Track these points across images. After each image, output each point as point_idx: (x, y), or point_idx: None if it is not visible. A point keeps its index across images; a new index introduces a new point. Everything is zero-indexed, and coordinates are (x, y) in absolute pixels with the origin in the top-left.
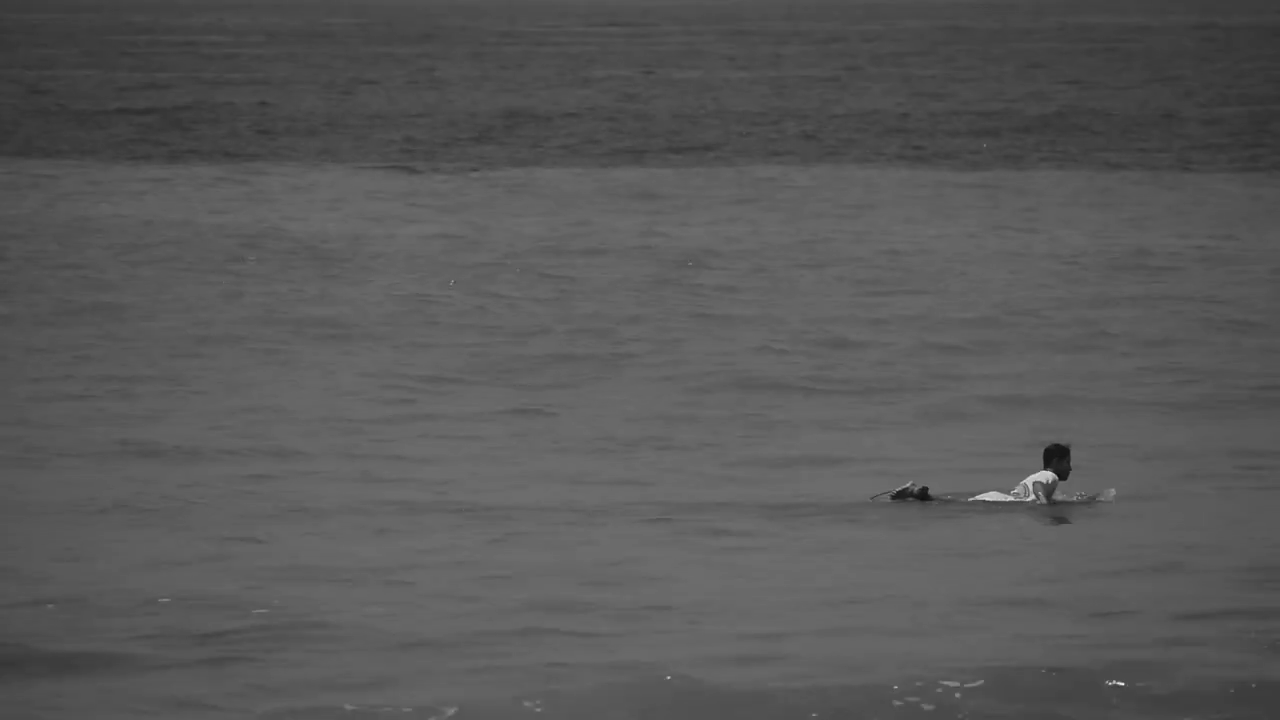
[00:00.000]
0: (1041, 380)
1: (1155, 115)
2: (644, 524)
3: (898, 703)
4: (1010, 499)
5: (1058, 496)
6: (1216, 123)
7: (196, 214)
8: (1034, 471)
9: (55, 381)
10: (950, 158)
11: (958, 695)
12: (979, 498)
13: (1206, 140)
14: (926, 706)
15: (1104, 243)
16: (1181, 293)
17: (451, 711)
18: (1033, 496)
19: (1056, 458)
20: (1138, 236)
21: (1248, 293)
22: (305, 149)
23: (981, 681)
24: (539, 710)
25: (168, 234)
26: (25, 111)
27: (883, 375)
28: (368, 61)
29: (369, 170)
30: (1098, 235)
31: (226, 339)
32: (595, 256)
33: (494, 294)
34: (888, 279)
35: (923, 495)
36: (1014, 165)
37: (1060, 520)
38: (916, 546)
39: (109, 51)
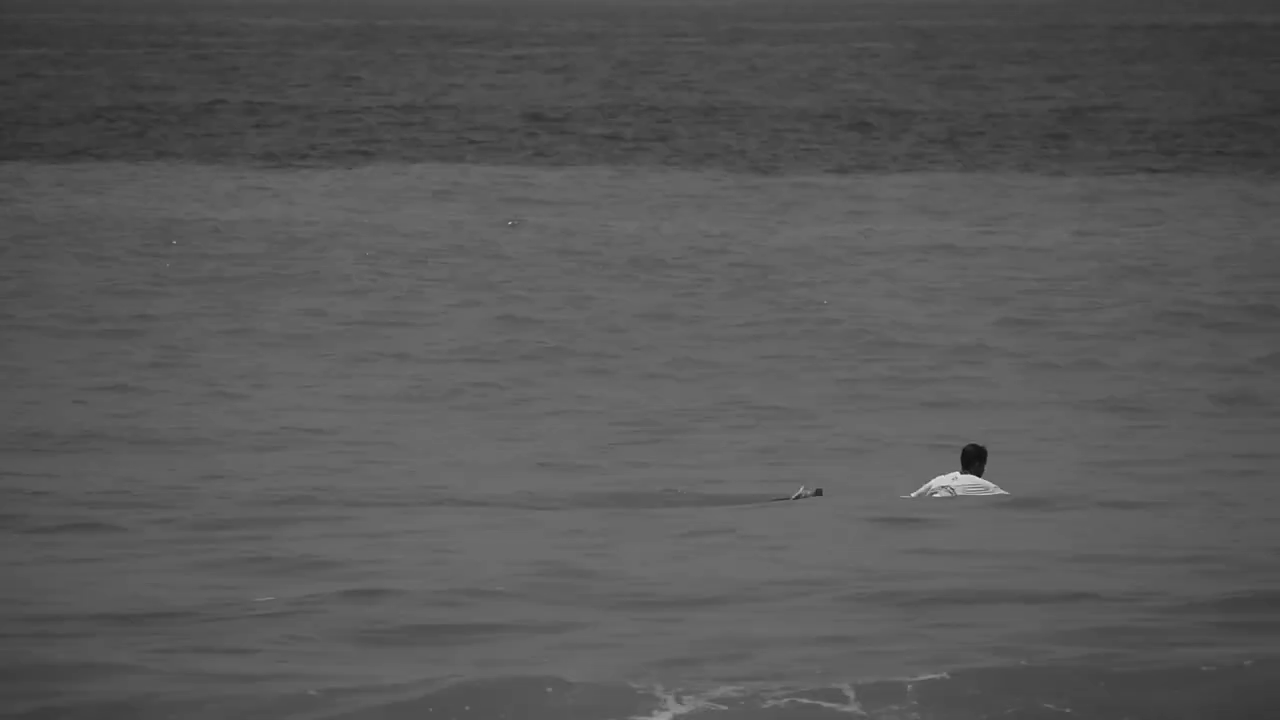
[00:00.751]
0: (1031, 382)
1: (1161, 118)
2: (633, 512)
3: (867, 703)
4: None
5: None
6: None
7: (189, 212)
8: (940, 473)
9: (71, 377)
10: (949, 160)
11: (920, 691)
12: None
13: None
14: (892, 706)
15: (1098, 244)
16: (1173, 293)
17: (450, 686)
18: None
19: (978, 461)
20: (1133, 237)
21: (1240, 293)
22: (304, 146)
23: (946, 676)
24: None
25: (158, 232)
26: (32, 113)
27: (876, 374)
28: (363, 62)
29: (374, 169)
30: (1090, 236)
31: (234, 336)
32: (598, 257)
33: (498, 293)
34: (887, 279)
35: (816, 496)
36: (1021, 168)
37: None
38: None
39: (113, 51)
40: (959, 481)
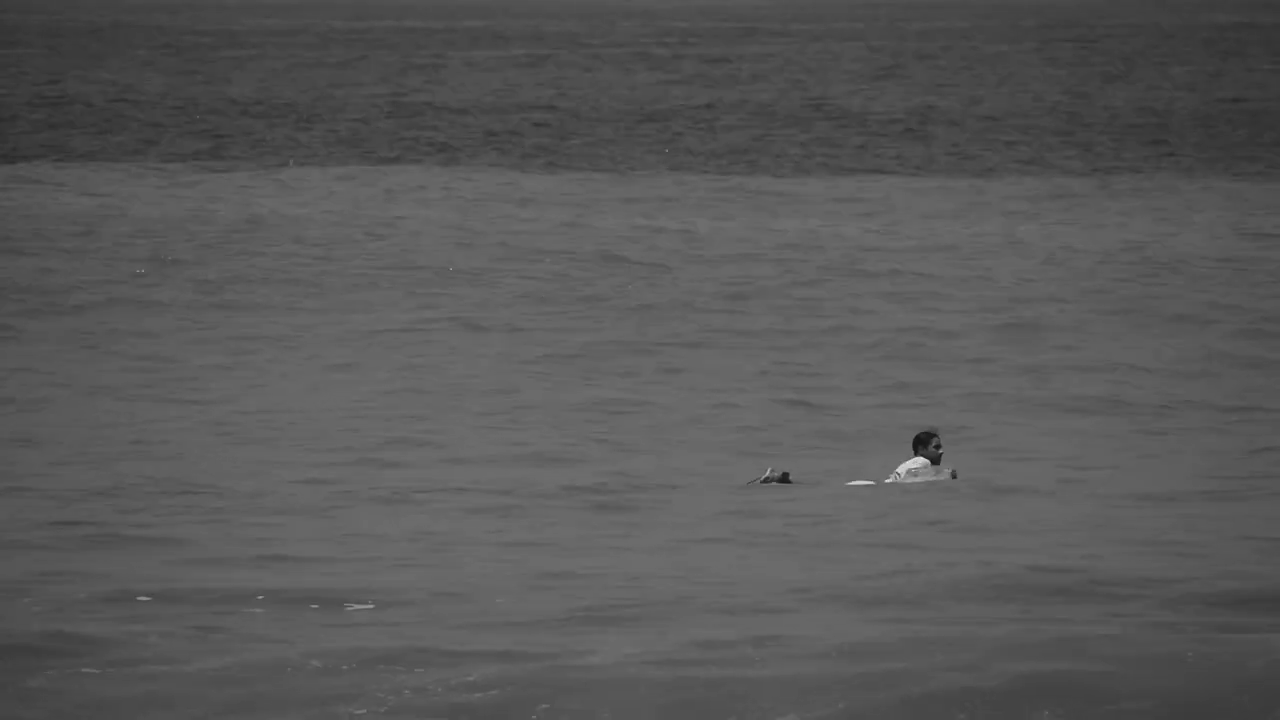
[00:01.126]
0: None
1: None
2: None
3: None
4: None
5: (928, 477)
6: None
7: (188, 211)
8: (904, 460)
9: (71, 377)
10: (938, 163)
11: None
12: (852, 483)
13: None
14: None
15: (1098, 245)
16: (1174, 294)
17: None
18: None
19: (922, 444)
20: (1133, 236)
21: (1241, 295)
22: (304, 147)
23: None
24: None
25: (158, 231)
26: (38, 113)
27: (875, 375)
28: (363, 62)
29: (373, 170)
30: (1090, 237)
31: (234, 336)
32: (596, 257)
33: (508, 292)
34: (885, 280)
35: (783, 479)
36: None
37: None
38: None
39: (113, 51)
40: (904, 465)
